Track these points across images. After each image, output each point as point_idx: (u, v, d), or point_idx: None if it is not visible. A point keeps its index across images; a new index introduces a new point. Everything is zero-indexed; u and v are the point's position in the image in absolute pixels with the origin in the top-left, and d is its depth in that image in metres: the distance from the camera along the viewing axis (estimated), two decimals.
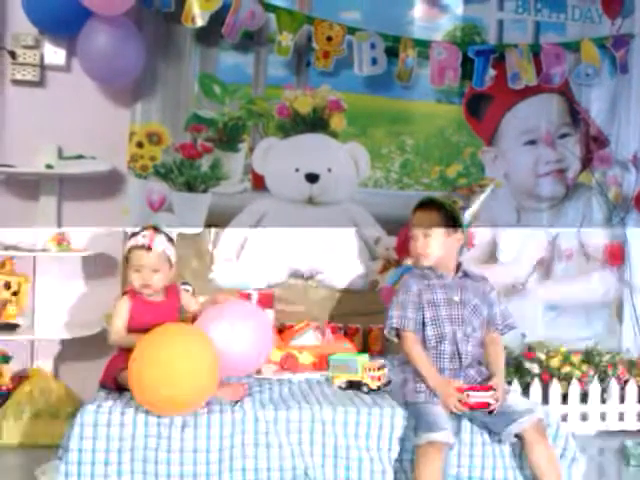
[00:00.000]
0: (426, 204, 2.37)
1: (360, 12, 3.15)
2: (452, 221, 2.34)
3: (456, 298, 2.31)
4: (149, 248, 2.30)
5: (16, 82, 2.92)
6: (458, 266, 2.37)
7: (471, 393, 2.14)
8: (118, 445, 2.06)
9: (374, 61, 3.09)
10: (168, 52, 3.01)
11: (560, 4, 3.34)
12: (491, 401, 2.13)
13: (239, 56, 3.08)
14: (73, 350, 2.91)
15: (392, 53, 3.13)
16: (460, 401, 2.13)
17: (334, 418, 2.17)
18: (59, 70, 2.96)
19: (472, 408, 2.14)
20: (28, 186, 2.92)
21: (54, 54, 2.93)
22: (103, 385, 2.27)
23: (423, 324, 2.30)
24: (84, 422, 2.06)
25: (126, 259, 2.36)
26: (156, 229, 2.36)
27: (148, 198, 3.00)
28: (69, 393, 2.79)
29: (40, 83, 2.95)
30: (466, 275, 2.37)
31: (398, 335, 2.33)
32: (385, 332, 2.38)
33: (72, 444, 2.05)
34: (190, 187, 3.05)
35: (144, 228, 2.37)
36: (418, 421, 2.14)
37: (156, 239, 2.31)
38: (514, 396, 2.26)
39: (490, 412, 2.14)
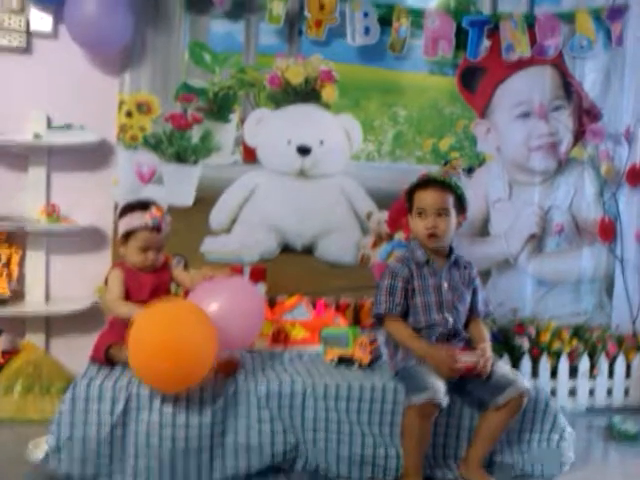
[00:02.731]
0: (438, 183, 2.32)
1: None
2: (460, 202, 2.33)
3: (445, 285, 2.31)
4: (159, 229, 2.27)
5: (1, 48, 2.84)
6: (450, 250, 2.37)
7: (461, 354, 2.17)
8: (110, 419, 2.06)
9: (367, 30, 3.04)
10: (158, 20, 2.94)
11: None
12: (480, 361, 2.15)
13: (230, 24, 3.02)
14: (64, 324, 2.89)
15: (385, 22, 3.08)
16: (451, 361, 2.14)
17: (326, 392, 2.19)
18: (45, 37, 2.87)
19: (463, 373, 2.16)
20: (16, 156, 2.86)
21: (40, 20, 2.85)
22: (94, 360, 2.26)
23: (412, 310, 2.30)
24: (75, 396, 2.07)
25: (126, 234, 2.29)
26: (158, 206, 2.31)
27: (138, 170, 2.96)
28: (60, 368, 2.78)
29: (26, 50, 2.87)
30: (455, 262, 2.36)
31: (382, 319, 2.32)
32: (372, 315, 2.38)
33: (63, 419, 2.06)
34: (180, 158, 3.01)
35: (143, 203, 2.31)
36: (409, 383, 2.17)
37: (165, 219, 2.28)
38: (503, 366, 2.28)
39: (479, 375, 2.16)
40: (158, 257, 2.32)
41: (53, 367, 2.74)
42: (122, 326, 2.23)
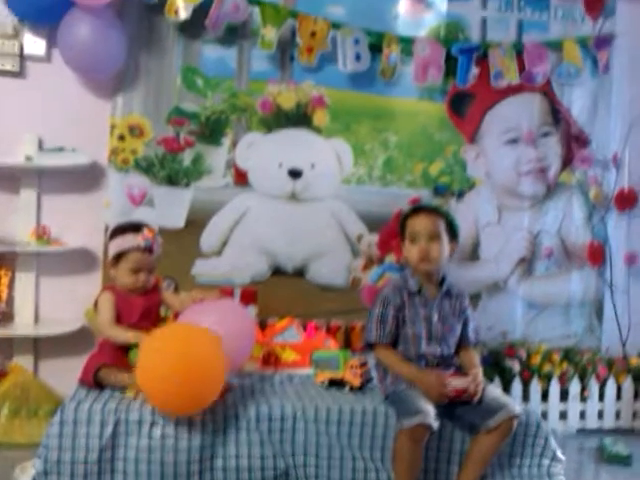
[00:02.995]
0: (430, 209, 2.37)
1: (344, 7, 3.14)
2: (452, 230, 2.36)
3: (435, 316, 2.32)
4: (151, 251, 2.27)
5: None
6: (443, 278, 2.38)
7: (451, 379, 2.16)
8: (98, 444, 2.03)
9: (358, 57, 3.09)
10: (151, 44, 2.98)
11: (543, 3, 3.36)
12: (471, 387, 2.15)
13: (222, 49, 3.06)
14: (53, 346, 2.87)
15: (376, 49, 3.12)
16: (441, 385, 2.14)
17: (316, 416, 2.17)
18: (39, 60, 2.90)
19: (453, 398, 2.15)
20: (8, 179, 2.86)
21: (34, 44, 2.88)
22: (83, 382, 2.23)
23: (402, 339, 2.31)
24: (64, 420, 2.04)
25: (118, 256, 2.28)
26: (149, 228, 2.31)
27: (129, 192, 2.97)
28: (48, 390, 2.75)
29: (20, 73, 2.89)
30: (447, 292, 2.37)
31: (372, 346, 2.33)
32: (363, 342, 2.39)
33: (51, 442, 2.03)
34: (172, 181, 3.02)
35: (135, 225, 2.32)
36: (400, 407, 2.16)
37: (156, 240, 2.28)
38: (493, 390, 2.28)
39: (469, 401, 2.15)
40: (149, 279, 2.31)
41: (41, 390, 2.72)
42: (112, 349, 2.23)
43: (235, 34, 3.05)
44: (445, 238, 2.32)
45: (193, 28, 2.98)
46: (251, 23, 3.03)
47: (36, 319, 2.90)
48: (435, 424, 2.08)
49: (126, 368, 2.15)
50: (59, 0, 2.67)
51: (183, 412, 2.04)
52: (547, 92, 3.36)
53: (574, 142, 3.40)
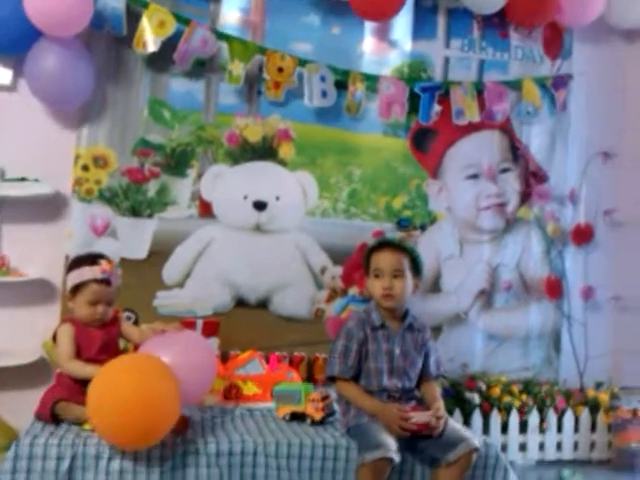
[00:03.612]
0: (395, 245, 2.40)
1: (311, 44, 3.19)
2: (416, 266, 2.39)
3: (397, 351, 2.35)
4: (109, 283, 2.26)
5: None
6: (406, 312, 2.41)
7: (413, 413, 2.18)
8: (54, 479, 2.00)
9: (324, 93, 3.14)
10: (118, 76, 2.99)
11: (504, 44, 3.46)
12: (432, 421, 2.17)
13: (190, 83, 3.08)
14: (9, 379, 2.80)
15: (342, 86, 3.18)
16: (402, 419, 2.16)
17: (277, 451, 2.16)
18: (4, 90, 2.88)
19: (415, 431, 2.17)
20: None
21: None
22: (39, 417, 2.20)
23: (364, 373, 2.33)
24: (18, 455, 2.00)
25: (75, 288, 2.27)
26: (108, 259, 2.32)
27: (91, 222, 2.95)
28: (3, 424, 2.68)
29: None
30: (410, 326, 2.40)
31: (334, 379, 2.35)
32: (324, 376, 2.41)
33: (4, 479, 1.98)
34: (135, 212, 3.01)
35: (93, 257, 2.32)
36: (361, 440, 2.17)
37: (115, 272, 2.28)
38: (454, 423, 2.30)
39: (431, 435, 2.17)
40: (107, 311, 2.30)
41: None
42: (70, 382, 2.21)
43: (203, 68, 3.07)
44: (409, 274, 2.36)
45: (161, 61, 2.99)
46: (219, 58, 3.06)
47: None
48: (397, 458, 2.09)
49: (84, 402, 2.11)
50: (27, 30, 2.66)
51: (134, 445, 2.01)
52: (507, 129, 3.45)
53: (532, 178, 3.49)
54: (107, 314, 2.30)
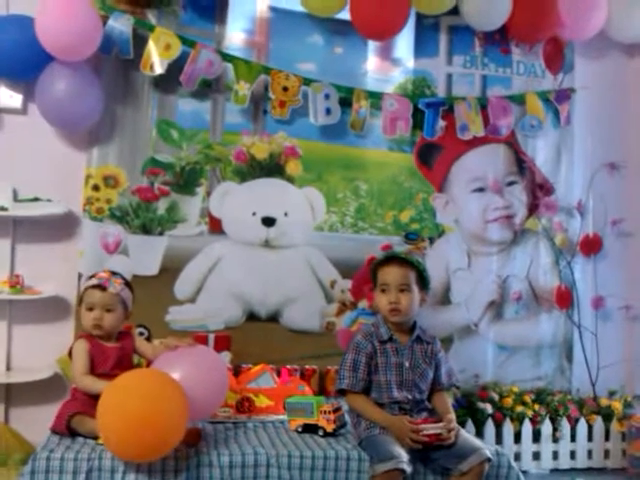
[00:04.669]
0: (401, 260, 2.41)
1: (315, 64, 3.25)
2: (423, 280, 2.41)
3: (407, 363, 2.36)
4: (103, 287, 2.31)
5: None
6: (414, 325, 2.43)
7: (424, 425, 2.18)
8: None
9: (328, 111, 3.18)
10: (127, 98, 3.05)
11: (506, 59, 3.51)
12: (444, 432, 2.17)
13: (197, 103, 3.14)
14: (25, 394, 2.83)
15: (346, 103, 3.22)
16: (414, 432, 2.16)
17: (290, 463, 2.16)
18: (15, 113, 2.95)
19: (426, 443, 2.17)
20: None
21: (10, 98, 2.93)
22: (55, 431, 2.22)
23: (374, 386, 2.35)
24: (35, 469, 2.01)
25: (80, 300, 2.37)
26: (113, 272, 2.40)
27: (103, 241, 2.99)
28: (20, 439, 2.70)
29: None
30: (418, 338, 2.42)
31: (344, 392, 2.36)
32: (335, 389, 2.42)
33: None
34: (146, 230, 3.06)
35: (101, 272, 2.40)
36: (373, 452, 2.17)
37: (111, 280, 2.33)
38: (466, 434, 2.30)
39: (442, 445, 2.17)
40: (104, 317, 2.31)
41: (12, 438, 2.67)
42: (85, 396, 2.23)
43: (209, 88, 3.13)
44: (415, 289, 2.38)
45: (168, 82, 3.05)
46: (225, 78, 3.11)
47: (8, 367, 2.87)
48: (408, 469, 2.09)
49: None
50: (37, 55, 2.72)
51: (140, 459, 2.03)
52: (512, 143, 3.48)
53: (539, 190, 3.51)
54: (107, 321, 2.32)
